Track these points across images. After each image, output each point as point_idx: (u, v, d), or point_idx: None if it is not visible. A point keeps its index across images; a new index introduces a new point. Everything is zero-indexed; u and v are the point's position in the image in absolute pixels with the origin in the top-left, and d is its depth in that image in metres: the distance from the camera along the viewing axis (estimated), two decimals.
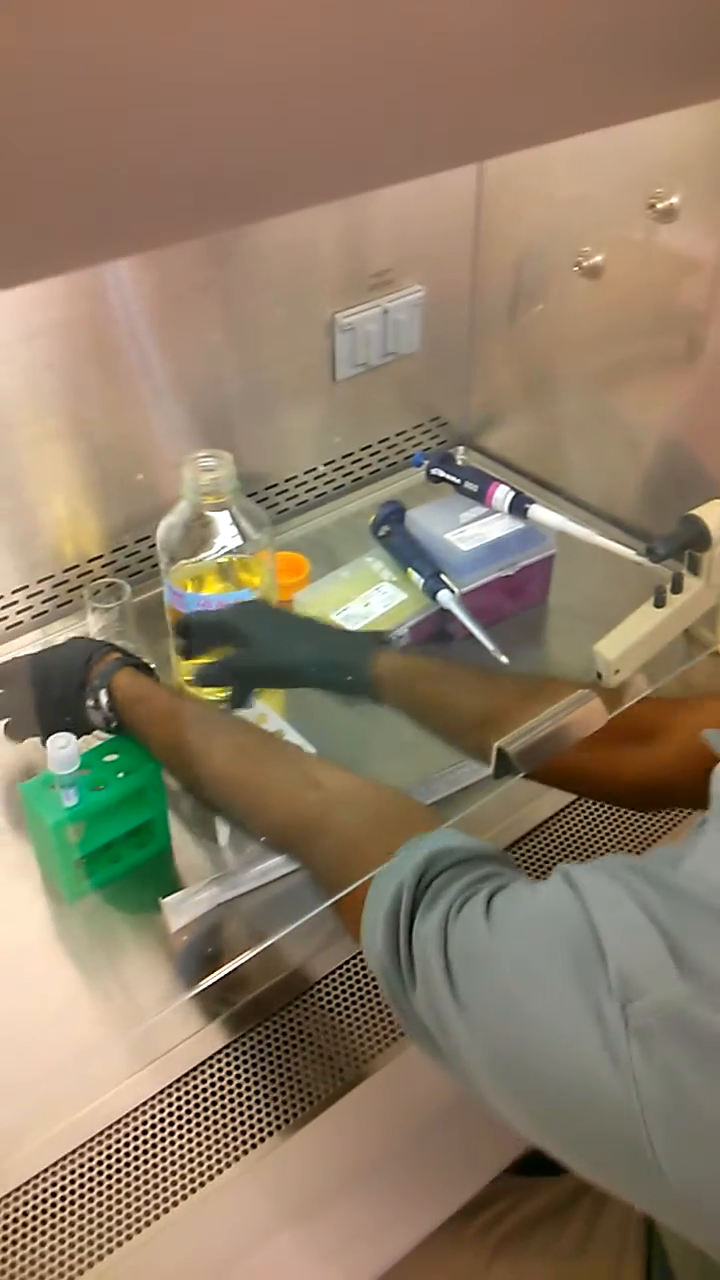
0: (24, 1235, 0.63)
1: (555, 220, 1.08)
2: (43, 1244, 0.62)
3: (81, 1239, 0.62)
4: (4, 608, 0.99)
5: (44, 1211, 0.64)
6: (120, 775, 0.77)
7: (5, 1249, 0.62)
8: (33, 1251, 0.62)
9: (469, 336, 1.21)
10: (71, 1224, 0.63)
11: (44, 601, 1.01)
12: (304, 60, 0.37)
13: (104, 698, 0.76)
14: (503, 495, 1.02)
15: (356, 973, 0.75)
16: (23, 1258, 0.62)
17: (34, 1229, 0.63)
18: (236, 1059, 0.70)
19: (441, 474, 1.07)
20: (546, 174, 1.06)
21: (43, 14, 0.30)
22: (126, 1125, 0.67)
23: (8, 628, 1.00)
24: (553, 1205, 0.79)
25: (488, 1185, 0.77)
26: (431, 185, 1.09)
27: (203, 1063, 0.70)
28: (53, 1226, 0.63)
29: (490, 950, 0.48)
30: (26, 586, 1.00)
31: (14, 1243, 0.62)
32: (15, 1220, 0.63)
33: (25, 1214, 0.63)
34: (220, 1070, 0.70)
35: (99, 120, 0.33)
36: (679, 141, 0.94)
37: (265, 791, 0.68)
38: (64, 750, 0.72)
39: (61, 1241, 0.62)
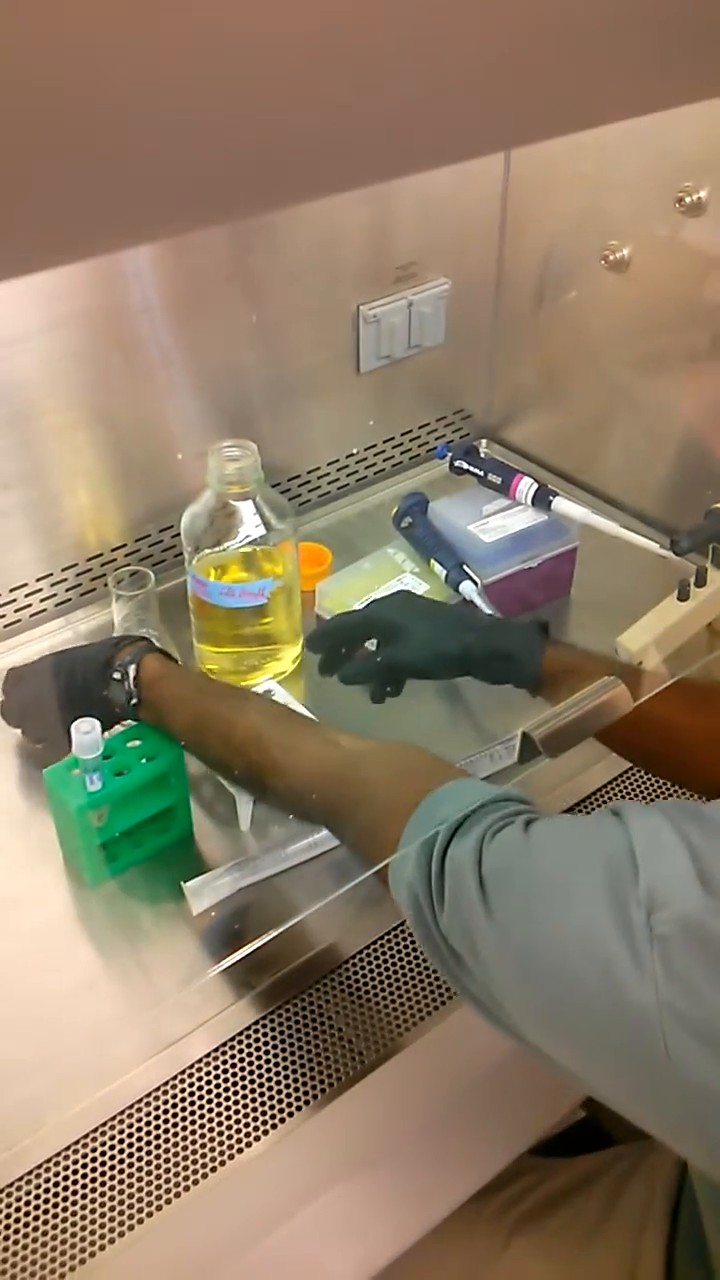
0: (45, 1212, 0.63)
1: (582, 214, 1.08)
2: (63, 1221, 0.63)
3: (102, 1215, 0.63)
4: (28, 595, 1.00)
5: (65, 1188, 0.64)
6: (143, 761, 0.77)
7: (27, 1225, 0.63)
8: (53, 1228, 0.62)
9: (493, 330, 1.21)
10: (93, 1200, 0.64)
11: (68, 590, 1.02)
12: (328, 43, 0.37)
13: (131, 672, 0.76)
14: (526, 487, 1.02)
15: (378, 956, 0.76)
16: (44, 1234, 0.62)
17: (55, 1206, 0.63)
18: (257, 1041, 0.71)
19: (465, 466, 1.07)
20: (573, 168, 1.06)
21: None
22: (147, 1105, 0.68)
23: (32, 615, 1.01)
24: (571, 1185, 0.79)
25: (512, 1164, 0.78)
26: (458, 178, 1.09)
27: (224, 1044, 0.71)
28: (74, 1203, 0.63)
29: (525, 864, 0.50)
30: (50, 575, 1.01)
31: (36, 1219, 0.63)
32: (37, 1197, 0.64)
33: (47, 1191, 0.64)
34: (241, 1052, 0.70)
35: (114, 104, 0.34)
36: (708, 135, 0.94)
37: (291, 751, 0.69)
38: (88, 735, 0.73)
39: (83, 1218, 0.63)
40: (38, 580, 1.00)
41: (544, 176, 1.09)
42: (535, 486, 1.02)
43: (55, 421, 0.94)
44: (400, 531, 1.05)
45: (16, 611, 1.00)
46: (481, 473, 1.06)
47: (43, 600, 1.01)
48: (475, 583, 0.96)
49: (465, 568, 0.97)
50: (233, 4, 0.34)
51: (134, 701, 0.77)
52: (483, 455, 1.10)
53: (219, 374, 1.02)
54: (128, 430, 0.99)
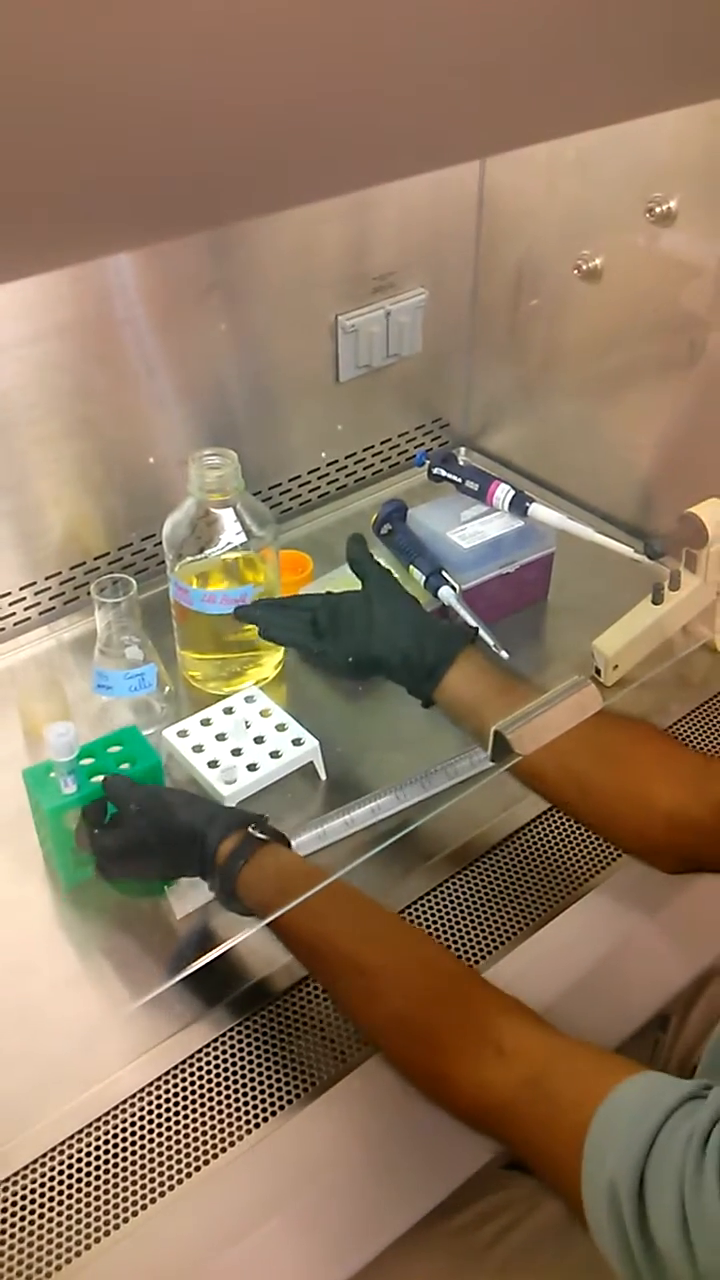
0: (28, 1215, 0.64)
1: (555, 224, 1.09)
2: (46, 1223, 0.63)
3: (85, 1218, 0.64)
4: (12, 604, 1.01)
5: (48, 1191, 0.65)
6: (122, 766, 0.78)
7: (10, 1227, 0.63)
8: (36, 1231, 0.63)
9: (470, 339, 1.23)
10: (76, 1202, 0.64)
11: (51, 598, 1.03)
12: (306, 52, 0.38)
13: (237, 867, 0.69)
14: (503, 494, 1.04)
15: None
16: (27, 1236, 0.63)
17: (38, 1208, 0.64)
18: (237, 1044, 0.72)
19: (443, 473, 1.09)
20: (547, 179, 1.08)
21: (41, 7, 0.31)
22: (130, 1108, 0.69)
23: (15, 624, 1.02)
24: (561, 1219, 0.77)
25: (507, 1190, 0.78)
26: (434, 191, 1.11)
27: (203, 1048, 0.71)
28: (56, 1206, 0.64)
29: None
30: (34, 583, 1.02)
31: (19, 1222, 0.64)
32: (21, 1200, 0.64)
33: (31, 1193, 0.65)
34: (220, 1055, 0.71)
35: (98, 113, 0.35)
36: (677, 145, 0.96)
37: (440, 1052, 0.61)
38: (63, 738, 0.73)
39: (65, 1220, 0.64)
40: (21, 589, 1.01)
41: (518, 188, 1.11)
42: (512, 493, 1.03)
43: (38, 431, 0.95)
44: (380, 538, 1.06)
45: (0, 620, 1.01)
46: (459, 480, 1.07)
47: (26, 609, 1.02)
48: (454, 588, 0.98)
49: (444, 573, 0.99)
50: (211, 18, 0.35)
51: (228, 891, 0.70)
52: (461, 462, 1.11)
53: (200, 383, 1.04)
54: (110, 439, 1.00)
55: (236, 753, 0.85)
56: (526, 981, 0.70)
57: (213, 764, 0.84)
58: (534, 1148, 0.56)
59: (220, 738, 0.86)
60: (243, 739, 0.86)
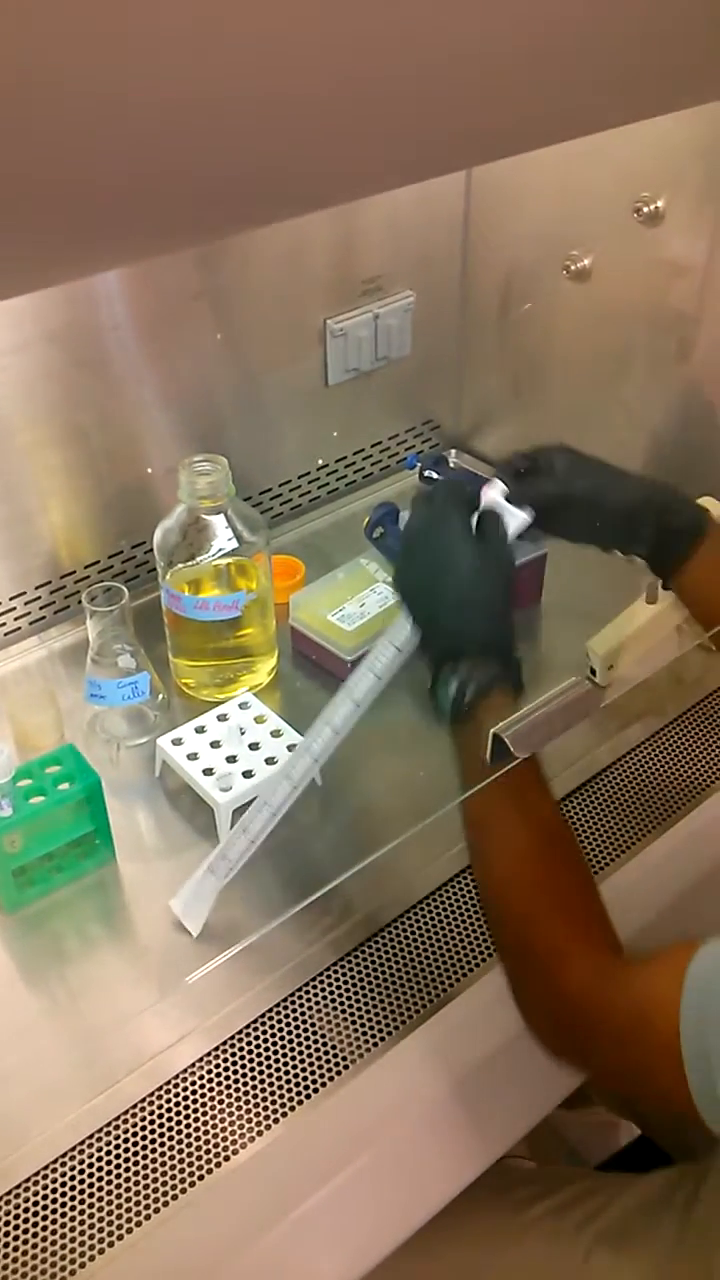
0: (33, 1226, 0.63)
1: (543, 225, 1.09)
2: (52, 1234, 0.63)
3: (91, 1227, 0.63)
4: (2, 614, 1.00)
5: (53, 1201, 0.64)
6: (61, 787, 0.77)
7: (14, 1240, 0.63)
8: (42, 1241, 0.63)
9: (459, 341, 1.22)
10: (81, 1213, 0.64)
11: (41, 608, 1.02)
12: (295, 70, 0.38)
13: (470, 691, 0.67)
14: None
15: (360, 961, 0.76)
16: (32, 1247, 0.62)
17: (43, 1219, 0.63)
18: (244, 1047, 0.71)
19: (434, 476, 1.08)
20: (534, 179, 1.08)
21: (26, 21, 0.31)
22: (133, 1116, 0.68)
23: (6, 634, 1.01)
24: (643, 1204, 0.80)
25: (582, 1182, 0.82)
26: (420, 192, 1.11)
27: (210, 1052, 0.71)
28: (61, 1217, 0.64)
29: None
30: (24, 593, 1.01)
31: (23, 1233, 0.63)
32: (25, 1211, 0.64)
33: (35, 1204, 0.64)
34: (228, 1058, 0.71)
35: (87, 132, 0.34)
36: (663, 146, 0.96)
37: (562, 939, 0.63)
38: None
39: (71, 1230, 0.63)
40: (11, 599, 1.00)
41: (505, 189, 1.11)
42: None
43: (27, 439, 0.95)
44: (372, 542, 1.06)
45: None
46: None
47: (16, 619, 1.01)
48: None
49: None
50: (199, 35, 0.35)
51: (451, 712, 0.68)
52: (452, 465, 1.11)
53: (189, 390, 1.03)
54: (99, 447, 0.99)
55: (231, 760, 0.85)
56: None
57: (208, 771, 0.84)
58: (625, 1012, 0.57)
59: (215, 745, 0.86)
60: (237, 746, 0.86)
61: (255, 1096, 0.69)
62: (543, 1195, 0.82)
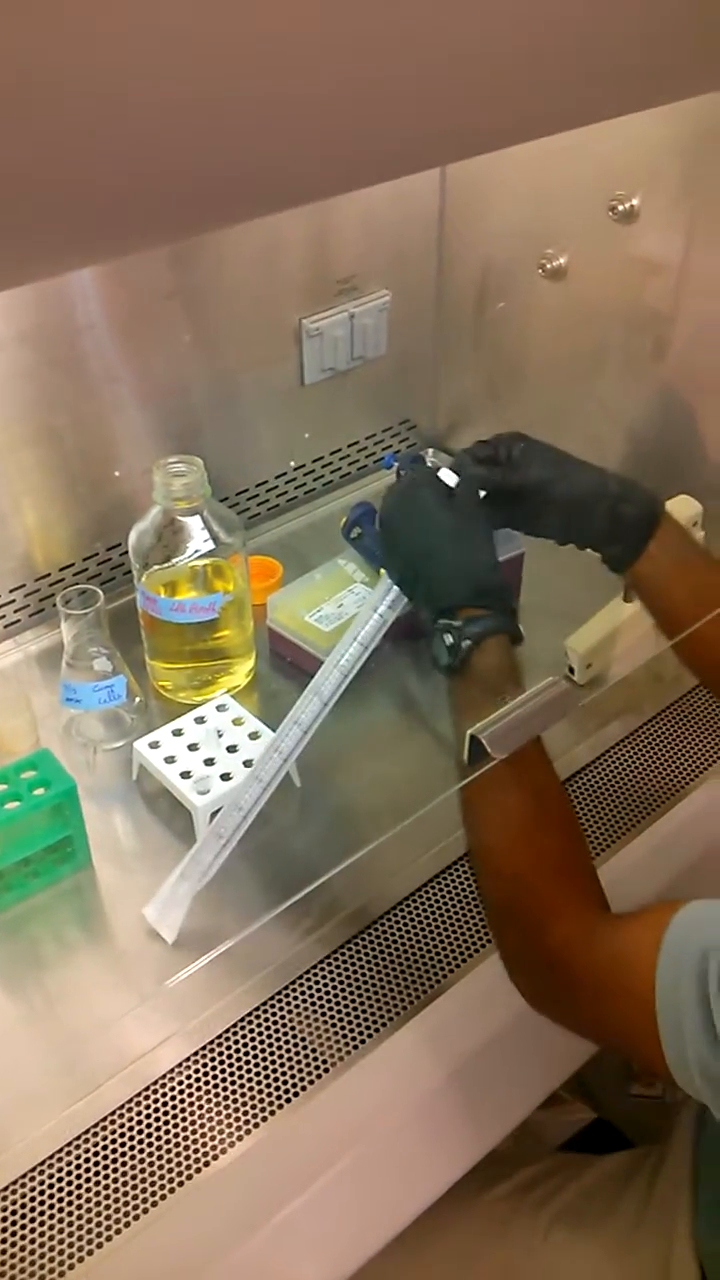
0: (14, 1231, 0.63)
1: (519, 223, 1.09)
2: (32, 1241, 0.62)
3: (74, 1232, 0.63)
4: None
5: (33, 1207, 0.64)
6: (36, 792, 0.76)
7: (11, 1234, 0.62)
8: (24, 1247, 0.62)
9: (435, 340, 1.22)
10: (63, 1218, 0.63)
11: (16, 611, 1.01)
12: (268, 65, 0.38)
13: (465, 646, 0.68)
14: None
15: (342, 962, 0.76)
16: (14, 1252, 0.62)
17: (24, 1225, 0.63)
18: (226, 1050, 0.71)
19: None
20: (509, 177, 1.08)
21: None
22: (115, 1121, 0.67)
23: None
24: (602, 1182, 0.82)
25: (541, 1163, 0.83)
26: (395, 190, 1.10)
27: (191, 1055, 0.71)
28: (42, 1223, 0.63)
29: None
30: None
31: (4, 1239, 0.62)
32: (4, 1218, 0.63)
33: (15, 1210, 0.63)
34: (209, 1061, 0.70)
35: (57, 128, 0.34)
36: (638, 144, 0.96)
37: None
38: None
39: (53, 1237, 0.62)
40: None
41: (480, 187, 1.11)
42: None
43: (2, 440, 0.94)
44: (349, 542, 1.05)
45: None
46: None
47: None
48: None
49: None
50: (164, 36, 0.34)
51: (449, 667, 0.69)
52: (429, 464, 1.11)
53: (164, 390, 1.03)
54: (73, 448, 0.99)
55: (209, 762, 0.84)
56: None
57: (185, 775, 0.83)
58: (603, 966, 0.58)
59: (192, 748, 0.85)
60: (215, 748, 0.85)
61: (237, 1100, 0.69)
62: (503, 1176, 0.83)
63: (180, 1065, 0.70)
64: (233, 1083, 0.70)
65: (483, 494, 0.75)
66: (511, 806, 0.66)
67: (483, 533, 0.73)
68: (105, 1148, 0.67)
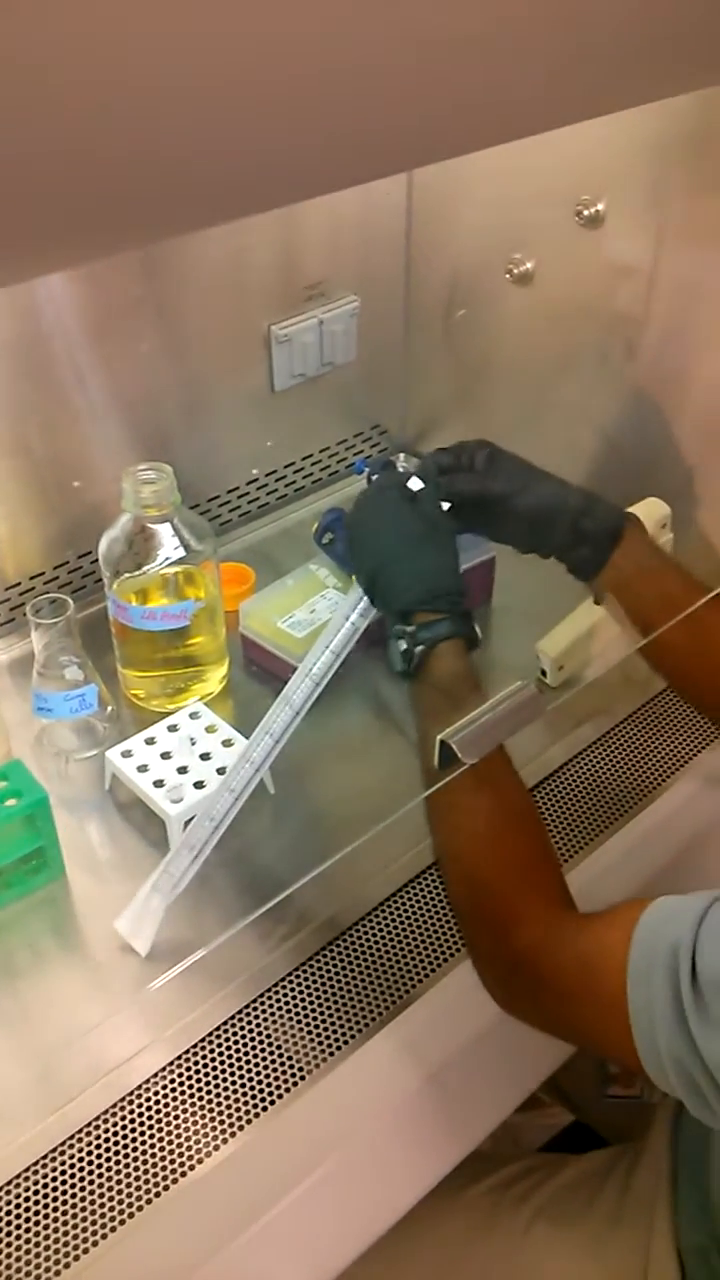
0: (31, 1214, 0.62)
1: (486, 229, 1.10)
2: (14, 1250, 0.62)
3: (55, 1241, 0.62)
4: None
5: (14, 1218, 0.63)
6: (8, 803, 0.76)
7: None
8: (6, 1257, 0.61)
9: (405, 345, 1.22)
10: (43, 1228, 0.63)
11: None
12: (234, 65, 0.38)
13: (418, 652, 0.69)
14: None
15: (317, 969, 0.76)
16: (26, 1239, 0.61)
17: (35, 1214, 0.62)
18: (204, 1057, 0.71)
19: None
20: (475, 183, 1.08)
21: None
22: (93, 1131, 0.67)
23: None
24: (581, 1179, 0.83)
25: (522, 1161, 0.84)
26: (362, 195, 1.11)
27: (171, 1062, 0.70)
28: (23, 1233, 0.62)
29: None
30: None
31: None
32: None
33: (24, 1201, 0.63)
34: (189, 1068, 0.70)
35: (21, 130, 0.34)
36: (602, 148, 0.96)
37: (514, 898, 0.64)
38: None
39: (33, 1247, 0.62)
40: None
41: (447, 193, 1.11)
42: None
43: None
44: (321, 547, 1.05)
45: None
46: None
47: None
48: None
49: None
50: (143, 29, 0.34)
51: (404, 672, 0.71)
52: (400, 469, 1.11)
53: (133, 397, 1.02)
54: (42, 456, 0.98)
55: (183, 771, 0.84)
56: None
57: (158, 783, 0.83)
58: (574, 967, 0.58)
59: (165, 756, 0.85)
60: (188, 756, 0.85)
61: (216, 1108, 0.69)
62: (483, 1174, 0.84)
63: (158, 1074, 0.70)
64: (211, 1090, 0.69)
65: (446, 505, 0.76)
66: (475, 811, 0.66)
67: (442, 538, 0.74)
68: (84, 1158, 0.66)
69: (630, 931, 0.55)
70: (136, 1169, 0.66)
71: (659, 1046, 0.53)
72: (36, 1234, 0.63)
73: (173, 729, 0.87)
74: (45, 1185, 0.65)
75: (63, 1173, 0.65)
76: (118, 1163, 0.66)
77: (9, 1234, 0.63)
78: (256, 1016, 0.73)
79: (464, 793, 0.65)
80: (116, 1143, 0.67)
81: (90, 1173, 0.65)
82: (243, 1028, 0.73)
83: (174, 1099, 0.69)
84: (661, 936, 0.54)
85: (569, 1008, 0.60)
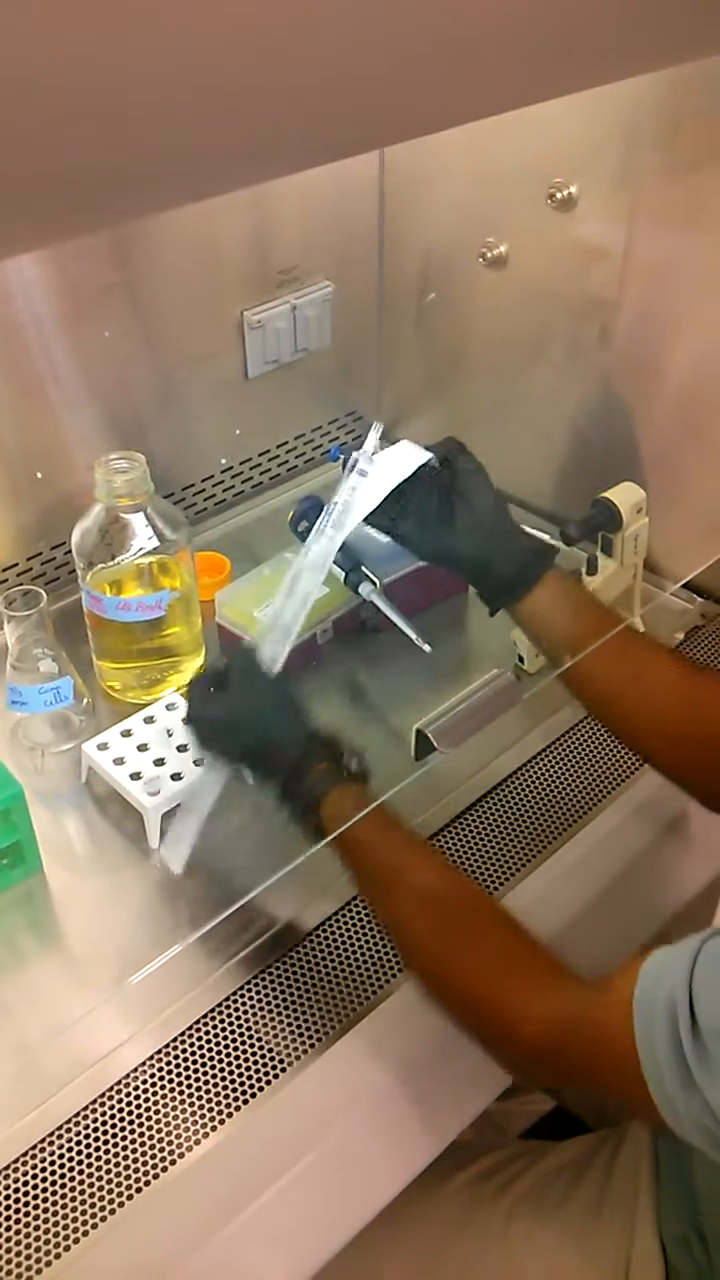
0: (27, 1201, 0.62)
1: (459, 213, 1.09)
2: (31, 1220, 0.61)
3: (40, 1236, 0.62)
4: None
5: (32, 1188, 0.63)
6: None
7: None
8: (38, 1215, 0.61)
9: (379, 330, 1.22)
10: (26, 1224, 0.62)
11: None
12: (205, 40, 0.37)
13: (307, 803, 0.70)
14: None
15: (293, 962, 0.76)
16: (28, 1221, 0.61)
17: (19, 1208, 0.62)
18: (183, 1052, 0.70)
19: (364, 473, 1.07)
20: (448, 167, 1.07)
21: None
22: (75, 1126, 0.67)
23: None
24: (561, 1167, 0.83)
25: (503, 1150, 0.84)
26: (334, 179, 1.10)
27: (152, 1055, 0.70)
28: (50, 1197, 0.62)
29: None
30: None
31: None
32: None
33: (9, 1196, 0.63)
34: (170, 1061, 0.70)
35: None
36: (574, 131, 0.96)
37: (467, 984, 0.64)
38: None
39: (16, 1243, 0.61)
40: None
41: (419, 177, 1.10)
42: None
43: None
44: (297, 535, 1.04)
45: None
46: None
47: None
48: (374, 583, 0.97)
49: (364, 569, 0.98)
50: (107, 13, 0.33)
51: (303, 819, 0.72)
52: (373, 455, 1.10)
53: (105, 385, 1.01)
54: (13, 446, 0.97)
55: (159, 763, 0.83)
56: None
57: (135, 776, 0.82)
58: (585, 1043, 0.58)
59: (142, 748, 0.84)
60: (165, 748, 0.84)
61: (198, 1100, 0.68)
62: (466, 1162, 0.84)
63: (139, 1067, 0.70)
64: (193, 1083, 0.69)
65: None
66: (423, 929, 0.65)
67: (279, 699, 0.74)
68: (68, 1152, 0.66)
69: (630, 994, 0.55)
70: (120, 1163, 0.65)
71: (676, 1105, 0.53)
72: (21, 1228, 0.63)
73: (149, 721, 0.86)
74: (29, 1180, 0.64)
75: (47, 1167, 0.65)
76: (101, 1157, 0.66)
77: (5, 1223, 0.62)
78: (236, 1010, 0.73)
79: (413, 915, 0.66)
80: (100, 1137, 0.66)
81: (74, 1167, 0.65)
82: (223, 1021, 0.72)
83: (156, 1092, 0.69)
84: (658, 994, 0.54)
85: (591, 1081, 0.60)
